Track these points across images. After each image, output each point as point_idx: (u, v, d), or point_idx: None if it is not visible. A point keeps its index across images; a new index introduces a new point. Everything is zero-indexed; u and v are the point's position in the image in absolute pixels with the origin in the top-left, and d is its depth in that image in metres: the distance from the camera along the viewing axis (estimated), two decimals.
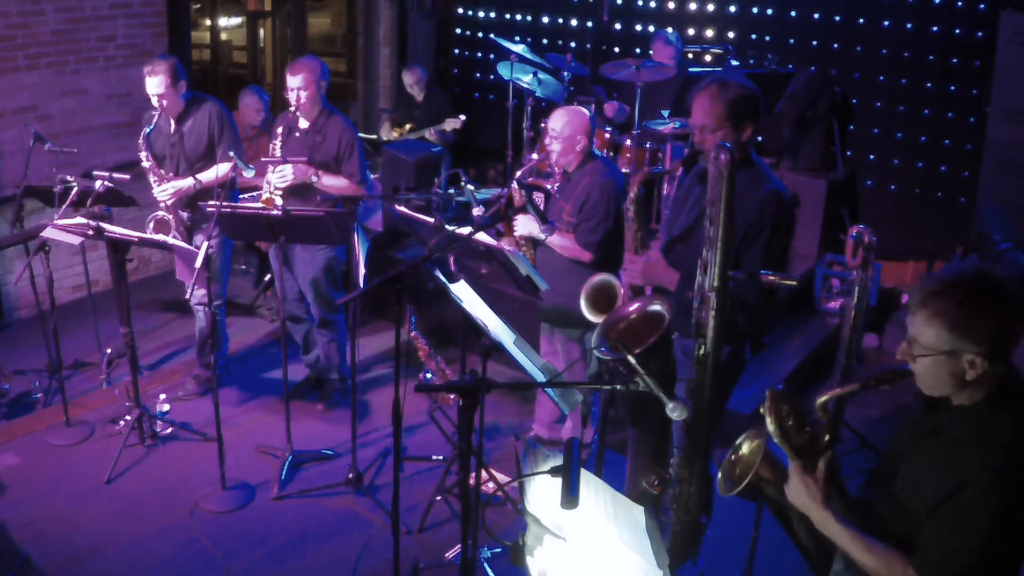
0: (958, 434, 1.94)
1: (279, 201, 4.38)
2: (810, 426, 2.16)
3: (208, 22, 8.89)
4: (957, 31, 5.98)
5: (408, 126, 7.54)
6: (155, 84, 4.52)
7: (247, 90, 6.40)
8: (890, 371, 2.03)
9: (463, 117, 7.10)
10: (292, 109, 4.55)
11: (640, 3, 7.30)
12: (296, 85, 4.49)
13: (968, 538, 1.86)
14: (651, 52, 6.31)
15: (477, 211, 4.43)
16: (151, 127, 4.63)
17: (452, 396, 4.15)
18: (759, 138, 7.19)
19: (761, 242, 3.05)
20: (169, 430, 4.64)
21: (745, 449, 2.39)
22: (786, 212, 3.18)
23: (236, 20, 9.35)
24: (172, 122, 4.70)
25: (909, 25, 6.12)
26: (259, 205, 4.41)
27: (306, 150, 4.58)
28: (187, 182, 4.67)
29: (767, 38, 6.75)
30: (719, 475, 2.43)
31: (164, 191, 4.66)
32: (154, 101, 4.57)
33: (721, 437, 3.28)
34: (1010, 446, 1.86)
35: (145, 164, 4.67)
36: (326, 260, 4.69)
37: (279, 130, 4.56)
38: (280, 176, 4.47)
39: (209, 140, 4.71)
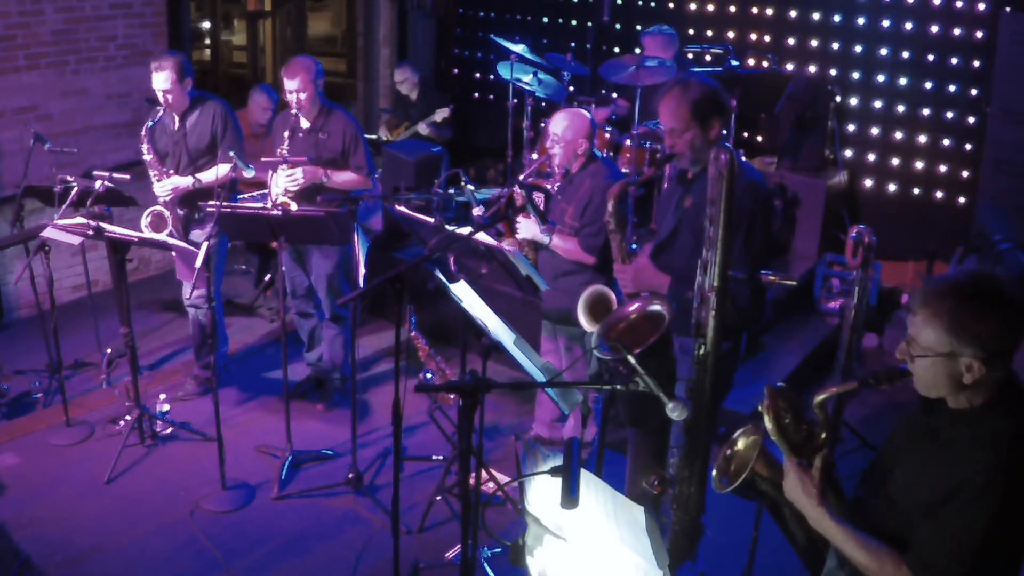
0: (956, 437, 1.94)
1: (293, 206, 4.35)
2: (807, 424, 2.17)
3: (208, 23, 8.88)
4: (957, 31, 5.97)
5: (404, 125, 7.55)
6: (161, 80, 4.52)
7: (257, 88, 6.42)
8: (888, 370, 2.02)
9: (451, 106, 7.14)
10: (293, 111, 4.55)
11: (640, 3, 7.30)
12: (294, 87, 4.49)
13: (965, 539, 1.86)
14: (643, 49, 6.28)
15: (477, 211, 4.42)
16: (154, 122, 4.63)
17: (452, 396, 4.15)
18: (759, 138, 7.15)
19: (740, 235, 3.04)
20: (169, 430, 4.64)
21: (741, 445, 2.39)
22: (763, 203, 3.20)
23: (237, 22, 9.35)
24: (176, 119, 4.70)
25: (909, 25, 6.12)
26: (259, 205, 4.41)
27: (312, 149, 4.58)
28: (187, 180, 4.68)
29: (767, 38, 6.75)
30: (714, 472, 2.43)
31: (163, 186, 4.67)
32: (159, 97, 4.57)
33: (717, 438, 3.27)
34: (1008, 448, 1.86)
35: (147, 158, 4.67)
36: (340, 255, 4.70)
37: (285, 133, 4.54)
38: (291, 179, 4.47)
39: (212, 139, 4.71)
